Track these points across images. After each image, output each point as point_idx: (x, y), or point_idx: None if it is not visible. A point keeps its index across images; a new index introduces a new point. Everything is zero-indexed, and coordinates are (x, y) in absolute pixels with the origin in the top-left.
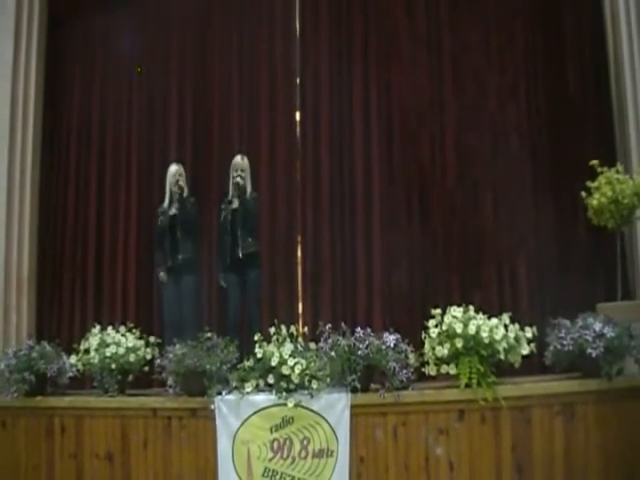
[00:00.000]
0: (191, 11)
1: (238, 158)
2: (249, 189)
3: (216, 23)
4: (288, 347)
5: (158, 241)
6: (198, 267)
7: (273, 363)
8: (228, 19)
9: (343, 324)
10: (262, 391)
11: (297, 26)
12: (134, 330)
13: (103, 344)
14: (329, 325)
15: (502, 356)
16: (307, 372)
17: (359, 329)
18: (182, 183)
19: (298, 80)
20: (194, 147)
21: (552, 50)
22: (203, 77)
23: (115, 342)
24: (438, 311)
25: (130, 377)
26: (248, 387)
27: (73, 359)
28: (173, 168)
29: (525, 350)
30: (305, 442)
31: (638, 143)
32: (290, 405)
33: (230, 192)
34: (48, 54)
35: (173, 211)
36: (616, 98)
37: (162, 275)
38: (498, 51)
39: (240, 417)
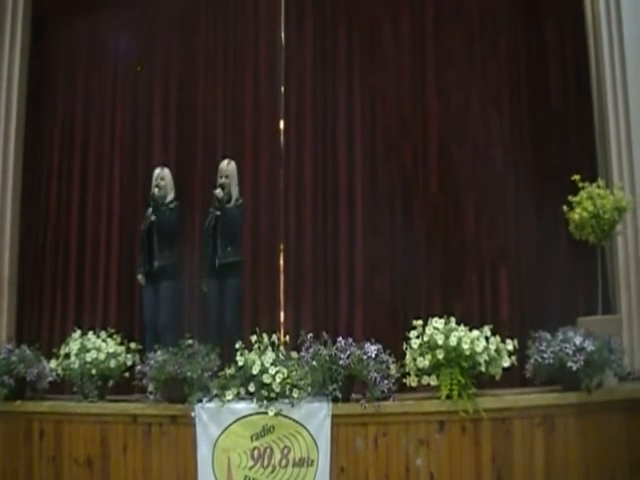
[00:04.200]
0: (176, 17)
1: (224, 163)
2: (235, 195)
3: (202, 29)
4: (269, 356)
5: (140, 244)
6: (179, 272)
7: (254, 371)
8: (213, 26)
9: (324, 333)
10: (243, 399)
11: (282, 34)
12: (115, 335)
13: (83, 349)
14: (310, 334)
15: (483, 368)
16: (288, 381)
17: (340, 339)
18: (161, 186)
19: (282, 88)
20: (178, 152)
21: (535, 61)
22: (188, 83)
23: (96, 347)
24: (419, 322)
25: (110, 383)
26: (229, 395)
27: (53, 364)
28: (155, 171)
29: (506, 362)
30: (285, 451)
31: (619, 158)
32: (271, 414)
33: None
34: (32, 54)
35: (153, 217)
36: (598, 113)
37: (140, 278)
38: (481, 61)
39: (221, 425)
